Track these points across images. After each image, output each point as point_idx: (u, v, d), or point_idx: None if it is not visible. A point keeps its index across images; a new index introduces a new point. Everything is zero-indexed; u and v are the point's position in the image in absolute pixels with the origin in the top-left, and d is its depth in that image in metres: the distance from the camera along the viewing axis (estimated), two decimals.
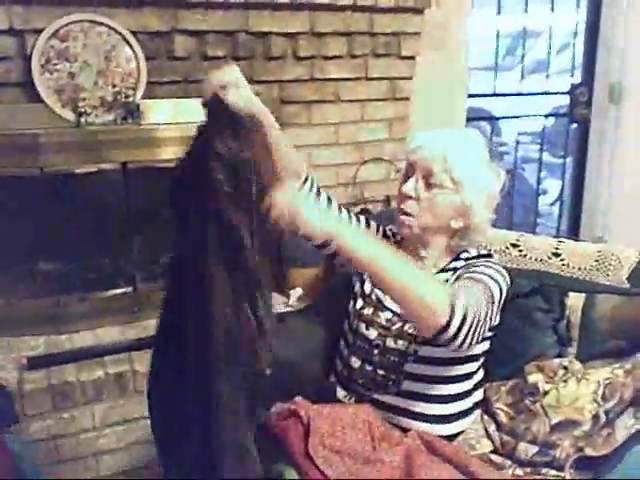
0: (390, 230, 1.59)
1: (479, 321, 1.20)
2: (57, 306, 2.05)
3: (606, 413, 1.28)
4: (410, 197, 1.39)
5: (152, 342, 1.28)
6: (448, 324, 1.15)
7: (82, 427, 1.90)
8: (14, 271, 2.12)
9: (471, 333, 1.19)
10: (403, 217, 1.41)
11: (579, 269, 1.58)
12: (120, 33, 1.91)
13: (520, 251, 1.69)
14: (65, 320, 2.05)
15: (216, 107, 1.13)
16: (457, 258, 1.46)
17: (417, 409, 1.39)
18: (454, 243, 1.45)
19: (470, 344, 1.21)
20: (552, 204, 4.18)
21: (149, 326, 2.09)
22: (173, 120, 2.04)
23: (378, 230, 1.58)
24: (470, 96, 2.78)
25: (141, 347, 1.99)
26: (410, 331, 1.40)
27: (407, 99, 2.43)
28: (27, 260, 2.14)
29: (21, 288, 2.10)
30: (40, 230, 2.07)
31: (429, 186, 1.38)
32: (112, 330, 2.09)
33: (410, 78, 2.41)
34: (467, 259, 1.45)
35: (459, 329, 1.16)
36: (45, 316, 2.04)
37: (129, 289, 2.15)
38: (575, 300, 1.55)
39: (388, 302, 1.45)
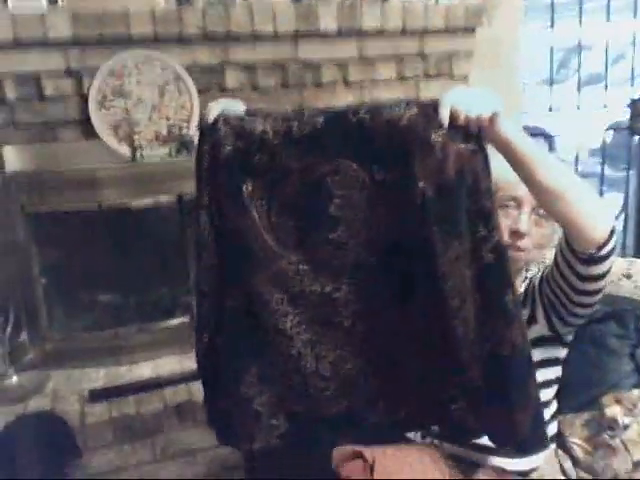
0: None
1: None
2: (116, 337, 2.08)
3: None
4: (525, 234, 1.34)
5: None
6: (610, 237, 1.10)
7: (143, 459, 1.90)
8: (74, 304, 2.16)
9: (609, 268, 1.15)
10: (519, 254, 1.33)
11: None
12: (173, 68, 1.94)
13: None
14: (124, 351, 2.08)
15: None
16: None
17: (489, 442, 1.33)
18: None
19: (603, 289, 1.18)
20: (615, 218, 4.03)
21: None
22: None
23: None
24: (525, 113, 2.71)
25: (199, 377, 1.99)
26: None
27: None
28: (87, 293, 2.19)
29: (81, 320, 2.14)
30: (99, 263, 2.11)
31: (538, 219, 1.32)
32: (171, 360, 2.09)
33: None
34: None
35: (613, 250, 1.12)
36: (105, 348, 2.07)
37: (186, 319, 2.16)
38: None
39: None
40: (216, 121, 1.08)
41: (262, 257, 1.08)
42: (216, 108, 1.10)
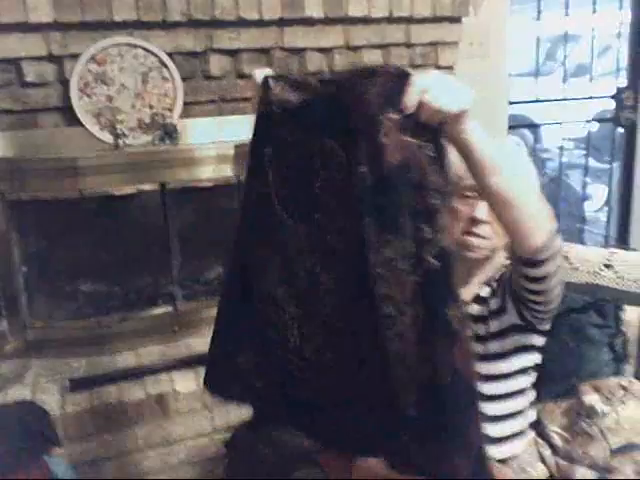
0: None
1: (558, 268, 1.16)
2: (98, 327, 2.06)
3: None
4: (483, 221, 1.35)
5: None
6: (549, 242, 1.11)
7: (124, 449, 1.90)
8: (56, 292, 2.14)
9: (556, 269, 1.14)
10: (478, 241, 1.36)
11: (634, 281, 1.51)
12: (156, 55, 1.92)
13: (570, 263, 1.62)
14: (106, 341, 2.06)
15: None
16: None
17: None
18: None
19: (552, 286, 1.17)
20: (598, 210, 4.06)
21: (189, 345, 2.10)
22: (210, 139, 2.04)
23: None
24: (511, 103, 2.71)
25: (181, 367, 1.99)
26: None
27: None
28: (69, 281, 2.17)
29: (62, 310, 2.12)
30: (81, 252, 2.10)
31: None
32: (153, 350, 2.08)
33: None
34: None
35: (553, 255, 1.12)
36: (86, 337, 2.05)
37: (169, 308, 2.15)
38: (632, 314, 1.48)
39: None
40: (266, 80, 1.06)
41: (270, 222, 1.05)
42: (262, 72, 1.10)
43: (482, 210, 1.32)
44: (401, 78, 0.92)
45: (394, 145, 0.91)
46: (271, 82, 1.04)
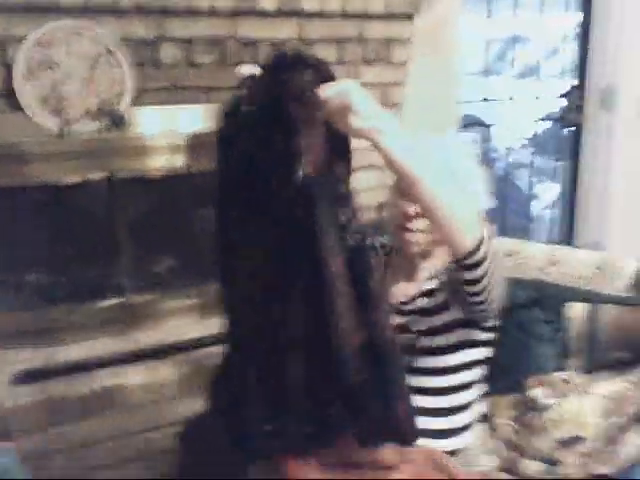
0: (380, 243, 1.56)
1: (494, 270, 1.20)
2: (45, 318, 2.01)
3: (611, 429, 1.24)
4: (416, 216, 1.36)
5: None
6: (478, 247, 1.14)
7: (72, 443, 1.86)
8: (2, 283, 2.07)
9: (491, 271, 1.18)
10: (411, 235, 1.38)
11: (579, 278, 1.56)
12: (105, 41, 1.87)
13: (516, 260, 1.66)
14: (54, 333, 2.00)
15: None
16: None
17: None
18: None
19: (488, 288, 1.21)
20: (545, 208, 4.17)
21: (140, 338, 2.07)
22: (160, 128, 2.00)
23: None
24: (463, 102, 2.76)
25: (131, 360, 1.96)
26: (404, 342, 1.37)
27: (398, 106, 2.41)
28: (13, 273, 2.10)
29: (7, 300, 2.06)
30: (26, 242, 2.03)
31: None
32: (102, 342, 2.04)
33: (401, 84, 2.39)
34: None
35: (483, 259, 1.15)
36: (33, 329, 1.99)
37: (119, 300, 2.11)
38: (576, 311, 1.52)
39: None
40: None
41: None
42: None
43: (413, 205, 1.35)
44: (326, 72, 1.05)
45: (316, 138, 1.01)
46: (250, 81, 1.08)
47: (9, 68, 1.79)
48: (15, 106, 1.82)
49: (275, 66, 1.07)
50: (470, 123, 3.20)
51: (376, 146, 1.07)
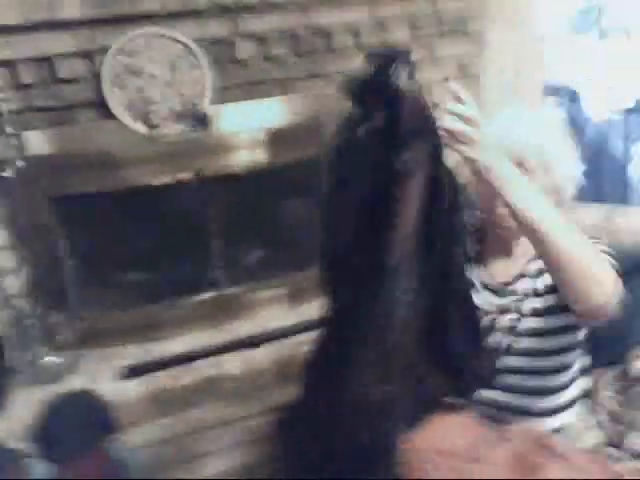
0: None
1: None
2: (147, 315, 2.11)
3: None
4: None
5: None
6: (604, 307, 1.11)
7: (179, 432, 1.94)
8: (104, 283, 2.19)
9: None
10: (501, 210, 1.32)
11: None
12: (183, 43, 1.92)
13: (615, 226, 1.58)
14: (154, 328, 2.10)
15: None
16: None
17: (519, 403, 1.33)
18: None
19: None
20: None
21: (235, 329, 2.13)
22: (241, 124, 2.04)
23: None
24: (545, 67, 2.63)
25: (229, 350, 2.02)
26: (506, 324, 1.33)
27: (477, 77, 2.33)
28: (116, 272, 2.21)
29: (111, 299, 2.17)
30: (125, 242, 2.14)
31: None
32: (200, 335, 2.11)
33: (479, 55, 2.31)
34: None
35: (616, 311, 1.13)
36: (135, 325, 2.09)
37: (213, 293, 2.18)
38: None
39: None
40: None
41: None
42: None
43: None
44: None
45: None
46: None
47: (98, 78, 1.87)
48: (105, 114, 1.91)
49: (381, 72, 1.01)
50: (556, 88, 3.05)
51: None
